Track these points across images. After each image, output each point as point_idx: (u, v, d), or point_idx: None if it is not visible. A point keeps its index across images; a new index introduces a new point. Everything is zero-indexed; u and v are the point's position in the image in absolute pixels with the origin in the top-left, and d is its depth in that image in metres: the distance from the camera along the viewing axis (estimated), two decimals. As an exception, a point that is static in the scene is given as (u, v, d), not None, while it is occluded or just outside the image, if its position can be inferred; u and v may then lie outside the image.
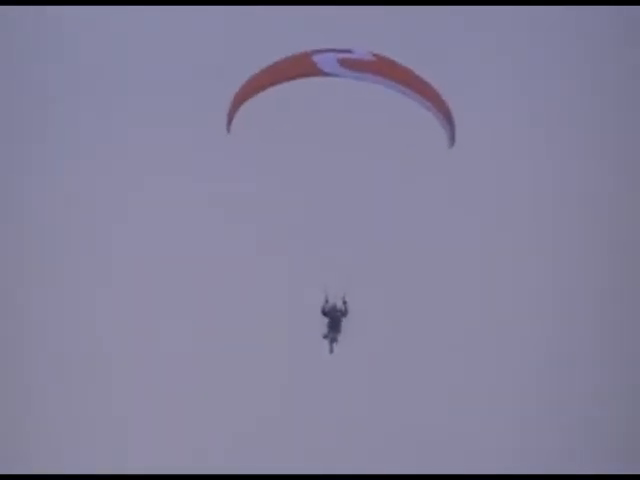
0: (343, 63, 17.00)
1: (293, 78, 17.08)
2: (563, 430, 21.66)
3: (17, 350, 21.67)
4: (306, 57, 17.26)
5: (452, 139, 17.23)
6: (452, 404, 21.60)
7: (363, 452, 21.40)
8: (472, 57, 22.39)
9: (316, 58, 17.21)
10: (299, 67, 17.16)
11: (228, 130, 17.65)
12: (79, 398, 21.59)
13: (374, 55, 17.25)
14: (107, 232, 21.97)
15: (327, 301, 18.27)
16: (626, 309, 22.01)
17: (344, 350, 18.46)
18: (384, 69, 17.01)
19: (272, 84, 17.19)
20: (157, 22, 22.51)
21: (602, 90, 22.58)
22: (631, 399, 21.75)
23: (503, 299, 21.90)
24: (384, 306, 21.05)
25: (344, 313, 18.25)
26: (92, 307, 21.80)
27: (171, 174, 22.02)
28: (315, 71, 17.04)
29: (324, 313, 18.33)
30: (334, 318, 18.27)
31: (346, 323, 18.32)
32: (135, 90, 22.36)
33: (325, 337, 18.41)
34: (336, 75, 16.96)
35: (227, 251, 21.74)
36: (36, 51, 22.31)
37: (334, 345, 18.38)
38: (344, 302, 18.26)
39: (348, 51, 17.22)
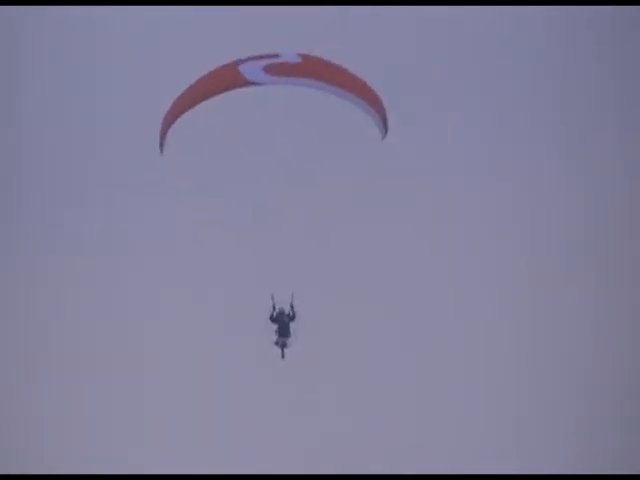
0: (268, 69, 17.06)
1: (220, 91, 17.17)
2: (563, 430, 21.89)
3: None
4: (232, 67, 17.33)
5: (384, 129, 17.30)
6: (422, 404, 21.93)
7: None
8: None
9: (242, 67, 17.28)
10: (225, 79, 17.24)
11: (161, 151, 17.69)
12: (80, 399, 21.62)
13: (301, 56, 17.30)
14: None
15: (274, 308, 18.37)
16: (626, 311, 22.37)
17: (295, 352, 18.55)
18: (310, 70, 17.07)
19: (200, 100, 17.25)
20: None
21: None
22: (631, 400, 21.97)
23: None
24: (332, 307, 21.15)
25: (292, 317, 18.36)
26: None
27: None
28: (241, 81, 17.11)
29: (272, 320, 18.42)
30: (282, 323, 18.37)
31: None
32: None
33: (276, 344, 18.49)
34: (261, 83, 17.03)
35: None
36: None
37: (285, 350, 18.48)
38: (291, 306, 18.37)
39: (274, 56, 17.23)
